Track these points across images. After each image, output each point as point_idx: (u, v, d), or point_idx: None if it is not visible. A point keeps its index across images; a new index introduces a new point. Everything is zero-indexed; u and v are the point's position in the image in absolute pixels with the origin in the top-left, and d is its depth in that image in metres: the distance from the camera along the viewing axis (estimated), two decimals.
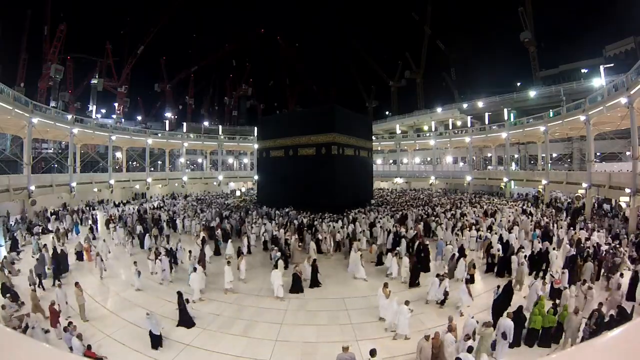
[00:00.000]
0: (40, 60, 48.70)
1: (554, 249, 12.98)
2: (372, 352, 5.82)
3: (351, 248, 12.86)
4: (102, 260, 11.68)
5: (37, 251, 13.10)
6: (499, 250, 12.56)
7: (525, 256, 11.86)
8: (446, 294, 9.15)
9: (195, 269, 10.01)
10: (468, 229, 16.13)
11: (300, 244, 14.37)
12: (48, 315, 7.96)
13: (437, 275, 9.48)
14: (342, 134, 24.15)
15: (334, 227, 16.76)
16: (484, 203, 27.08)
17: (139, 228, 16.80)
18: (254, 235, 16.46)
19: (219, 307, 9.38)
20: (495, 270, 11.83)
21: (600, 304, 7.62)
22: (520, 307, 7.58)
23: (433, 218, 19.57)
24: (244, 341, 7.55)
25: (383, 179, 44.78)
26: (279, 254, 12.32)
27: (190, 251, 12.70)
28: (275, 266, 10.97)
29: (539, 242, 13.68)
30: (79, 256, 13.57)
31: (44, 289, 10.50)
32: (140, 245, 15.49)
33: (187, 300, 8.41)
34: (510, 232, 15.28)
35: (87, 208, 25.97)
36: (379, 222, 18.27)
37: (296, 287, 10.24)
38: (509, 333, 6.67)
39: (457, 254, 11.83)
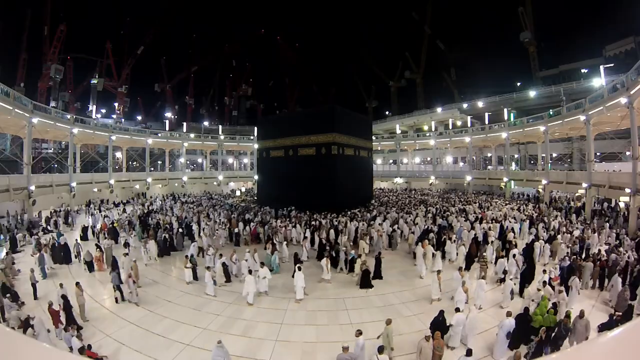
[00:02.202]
0: (40, 60, 48.69)
1: (559, 233, 14.99)
2: (380, 349, 5.94)
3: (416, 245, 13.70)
4: (134, 282, 9.66)
5: (37, 251, 13.04)
6: (514, 237, 14.59)
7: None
8: (505, 272, 10.35)
9: (299, 269, 10.07)
10: (478, 222, 18.06)
11: (351, 244, 14.62)
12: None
13: (501, 257, 11.43)
14: (342, 134, 24.15)
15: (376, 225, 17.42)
16: (480, 201, 28.24)
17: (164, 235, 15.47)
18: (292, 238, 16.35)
19: (219, 307, 9.39)
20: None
21: (567, 315, 7.32)
22: (526, 309, 7.60)
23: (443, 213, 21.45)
24: (244, 341, 7.55)
25: (383, 179, 44.79)
26: (353, 252, 12.53)
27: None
28: (352, 267, 11.78)
29: (544, 232, 15.73)
30: (90, 266, 12.27)
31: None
32: (159, 254, 14.28)
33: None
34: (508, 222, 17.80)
35: (75, 212, 23.93)
36: (407, 220, 18.98)
37: (366, 282, 10.60)
38: (511, 332, 6.78)
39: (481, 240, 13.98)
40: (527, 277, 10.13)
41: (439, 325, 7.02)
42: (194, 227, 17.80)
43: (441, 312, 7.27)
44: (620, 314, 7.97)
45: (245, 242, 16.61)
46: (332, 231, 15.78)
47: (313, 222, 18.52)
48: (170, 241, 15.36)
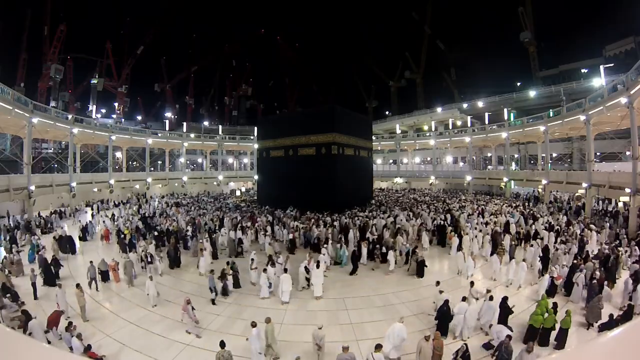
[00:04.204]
0: (40, 60, 48.64)
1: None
2: (378, 347, 5.96)
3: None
4: (192, 308, 8.14)
5: (38, 251, 13.01)
6: (522, 229, 16.96)
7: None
8: (541, 258, 11.75)
9: (317, 266, 10.40)
10: (481, 217, 20.34)
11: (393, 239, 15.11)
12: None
13: (531, 245, 13.09)
14: (342, 134, 24.14)
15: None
16: (475, 200, 29.44)
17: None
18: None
19: (219, 307, 9.38)
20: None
21: (568, 314, 7.29)
22: (505, 298, 7.95)
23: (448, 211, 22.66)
24: (244, 341, 7.54)
25: (383, 179, 44.78)
26: (407, 245, 13.57)
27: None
28: (407, 259, 12.63)
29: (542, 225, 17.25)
30: (104, 276, 11.31)
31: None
32: (173, 264, 13.03)
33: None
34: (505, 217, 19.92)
35: (55, 216, 22.24)
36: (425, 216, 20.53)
37: (420, 271, 11.66)
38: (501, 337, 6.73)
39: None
40: (546, 259, 11.84)
41: (444, 315, 7.44)
42: (223, 232, 16.28)
43: (446, 302, 7.63)
44: (594, 324, 7.89)
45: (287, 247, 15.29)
46: (373, 228, 16.73)
47: (335, 222, 18.22)
48: (215, 250, 14.42)
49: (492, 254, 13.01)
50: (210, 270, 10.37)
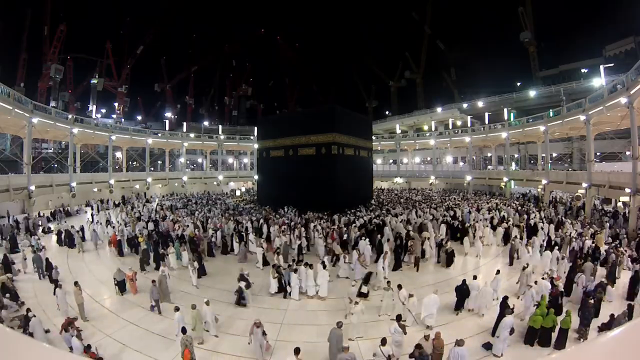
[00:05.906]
0: (40, 60, 48.71)
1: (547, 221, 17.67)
2: (383, 341, 6.05)
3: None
4: (264, 333, 6.90)
5: (37, 251, 13.00)
6: (520, 222, 18.10)
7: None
8: (554, 247, 12.93)
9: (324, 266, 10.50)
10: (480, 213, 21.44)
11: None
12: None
13: (543, 241, 14.28)
14: (342, 134, 24.13)
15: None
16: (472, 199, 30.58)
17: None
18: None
19: (219, 307, 9.36)
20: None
21: (567, 314, 7.41)
22: (505, 297, 8.01)
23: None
24: (244, 341, 7.53)
25: (383, 179, 44.78)
26: (437, 237, 14.68)
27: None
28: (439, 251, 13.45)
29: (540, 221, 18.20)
30: (121, 287, 10.25)
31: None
32: (202, 272, 11.95)
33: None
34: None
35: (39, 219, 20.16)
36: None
37: (450, 262, 12.66)
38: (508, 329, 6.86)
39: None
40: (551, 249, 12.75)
41: (462, 292, 8.74)
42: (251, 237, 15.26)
43: (464, 281, 8.90)
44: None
45: (329, 250, 13.93)
46: (400, 225, 17.30)
47: (356, 221, 18.24)
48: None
49: (505, 244, 14.94)
50: (288, 265, 10.71)
